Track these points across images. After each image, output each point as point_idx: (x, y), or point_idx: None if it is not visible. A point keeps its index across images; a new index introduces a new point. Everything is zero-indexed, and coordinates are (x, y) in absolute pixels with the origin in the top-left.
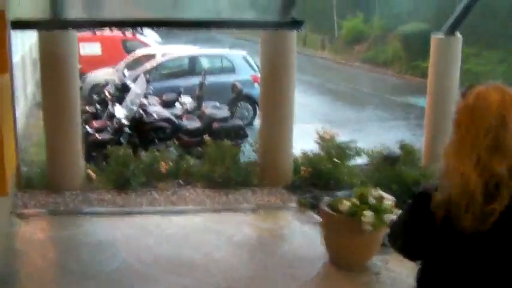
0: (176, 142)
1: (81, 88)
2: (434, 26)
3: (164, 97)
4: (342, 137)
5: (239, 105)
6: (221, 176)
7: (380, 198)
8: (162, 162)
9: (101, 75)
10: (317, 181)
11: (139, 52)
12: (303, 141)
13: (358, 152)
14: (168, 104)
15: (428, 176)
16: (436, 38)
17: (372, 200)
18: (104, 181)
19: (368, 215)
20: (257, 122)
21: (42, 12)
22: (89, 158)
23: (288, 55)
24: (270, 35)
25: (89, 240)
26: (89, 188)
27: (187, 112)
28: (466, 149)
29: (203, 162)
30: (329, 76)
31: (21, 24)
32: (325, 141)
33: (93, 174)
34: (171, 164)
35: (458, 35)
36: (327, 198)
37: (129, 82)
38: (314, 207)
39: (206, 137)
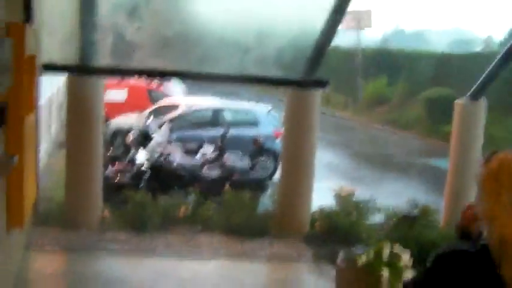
0: (196, 188)
1: (104, 133)
2: (458, 91)
3: (187, 146)
4: (360, 195)
5: (260, 158)
6: (238, 224)
7: (397, 256)
8: (181, 207)
9: (125, 120)
10: (334, 236)
11: (164, 102)
12: (322, 196)
13: (376, 210)
14: (190, 153)
15: (447, 237)
16: (459, 103)
17: (389, 257)
18: (120, 222)
19: (385, 271)
20: (277, 176)
21: (72, 57)
22: (107, 199)
23: (312, 113)
24: (295, 93)
25: (103, 278)
26: (105, 228)
27: (208, 162)
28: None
29: (221, 210)
30: (351, 136)
31: (52, 68)
32: (343, 198)
33: (108, 215)
34: (189, 209)
35: (483, 100)
36: (343, 253)
37: (152, 129)
38: (330, 260)
39: (226, 186)
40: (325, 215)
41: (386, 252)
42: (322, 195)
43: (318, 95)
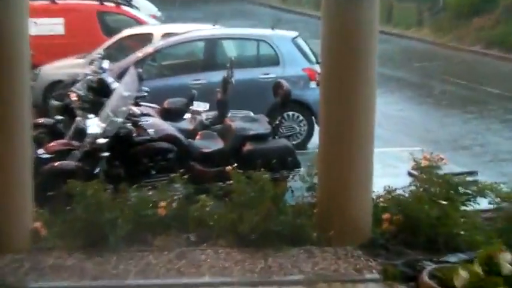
0: (184, 174)
1: (32, 90)
2: None
3: (167, 104)
4: (454, 167)
5: (286, 116)
6: (256, 229)
7: None
8: (161, 204)
9: (64, 68)
10: (413, 237)
11: (127, 32)
12: (388, 173)
13: (480, 191)
14: (172, 115)
15: None
16: None
17: (507, 269)
18: (64, 236)
19: None
20: (315, 143)
21: None
22: (42, 199)
23: (366, 37)
24: (336, 5)
25: None
26: (42, 248)
27: (202, 127)
28: None
29: (227, 207)
30: (432, 69)
31: None
32: (426, 173)
33: (42, 230)
34: (174, 206)
35: None
36: (430, 266)
37: (110, 80)
38: (409, 279)
39: (232, 167)
40: (396, 202)
41: (504, 263)
42: (390, 170)
43: (374, 6)
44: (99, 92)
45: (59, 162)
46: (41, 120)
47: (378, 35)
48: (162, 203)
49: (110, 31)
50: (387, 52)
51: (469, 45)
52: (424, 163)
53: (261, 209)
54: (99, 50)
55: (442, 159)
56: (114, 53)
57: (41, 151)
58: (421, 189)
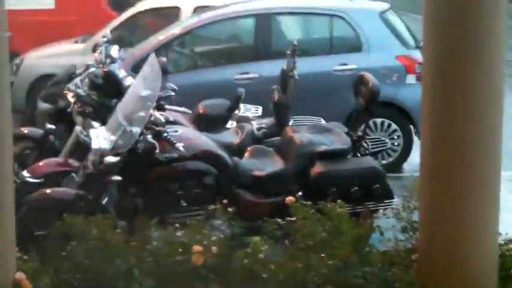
0: (228, 206)
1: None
2: None
3: (202, 108)
4: None
5: (373, 124)
6: (329, 283)
7: None
8: (195, 248)
9: (55, 57)
10: None
11: (144, 5)
12: None
13: None
14: (210, 123)
15: None
16: None
17: None
18: None
19: None
20: (414, 163)
21: None
22: (27, 241)
23: (490, 9)
24: None
25: None
26: None
27: (253, 140)
28: None
29: (288, 253)
30: None
31: None
32: None
33: (25, 283)
34: (214, 252)
35: None
36: None
37: (122, 73)
38: None
39: (295, 196)
40: None
41: None
42: None
43: None
44: (107, 90)
45: (51, 190)
46: (26, 130)
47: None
48: (197, 247)
49: (119, 4)
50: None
51: None
52: None
53: (336, 256)
54: (105, 31)
55: None
56: (127, 36)
57: (26, 173)
58: None
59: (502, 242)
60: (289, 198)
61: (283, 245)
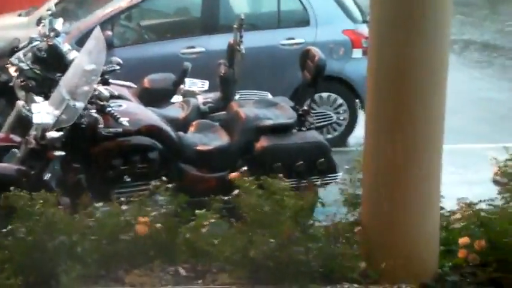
0: (172, 181)
1: None
2: None
3: (148, 82)
4: None
5: (318, 98)
6: (275, 259)
7: None
8: (140, 220)
9: None
10: (504, 272)
11: None
12: (465, 181)
13: None
14: (155, 98)
15: None
16: None
17: None
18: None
19: None
20: (359, 137)
21: None
22: None
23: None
24: None
25: None
26: None
27: (198, 115)
28: None
29: (233, 227)
30: None
31: None
32: None
33: None
34: (157, 226)
35: None
36: None
37: (66, 47)
38: None
39: (240, 171)
40: (478, 222)
41: None
42: (464, 175)
43: None
44: (50, 64)
45: None
46: None
47: None
48: (141, 219)
49: None
50: (468, 4)
51: None
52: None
53: (279, 231)
54: (50, 4)
55: None
56: (72, 9)
57: None
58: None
59: (445, 215)
60: (233, 174)
61: (228, 220)
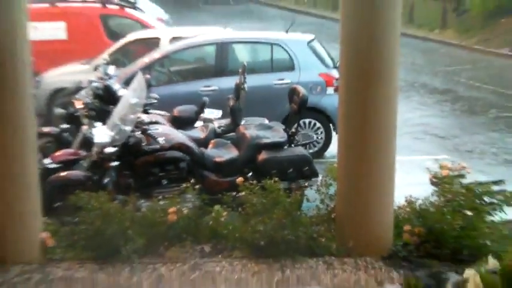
0: (197, 184)
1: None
2: None
3: (177, 112)
4: (479, 176)
5: (302, 123)
6: (272, 239)
7: None
8: (170, 210)
9: (67, 75)
10: (437, 249)
11: (133, 36)
12: (410, 183)
13: (507, 200)
14: (183, 123)
15: None
16: None
17: None
18: (74, 248)
19: None
20: (333, 151)
21: None
22: (49, 210)
23: (388, 39)
24: (355, 7)
25: None
26: (51, 260)
27: (214, 135)
28: None
29: (243, 217)
30: (456, 73)
31: None
32: (447, 183)
33: (50, 240)
34: (186, 214)
35: None
36: (455, 277)
37: (116, 86)
38: None
39: (245, 177)
40: (418, 213)
41: None
42: (410, 178)
43: (396, 6)
44: (106, 99)
45: (66, 172)
46: (47, 129)
47: (400, 38)
48: (172, 209)
49: (114, 35)
50: (409, 55)
51: (496, 47)
52: (444, 172)
53: (276, 218)
54: (104, 55)
55: (464, 167)
56: (120, 59)
57: (47, 161)
58: (442, 199)
59: (396, 207)
60: (239, 179)
61: (237, 212)
